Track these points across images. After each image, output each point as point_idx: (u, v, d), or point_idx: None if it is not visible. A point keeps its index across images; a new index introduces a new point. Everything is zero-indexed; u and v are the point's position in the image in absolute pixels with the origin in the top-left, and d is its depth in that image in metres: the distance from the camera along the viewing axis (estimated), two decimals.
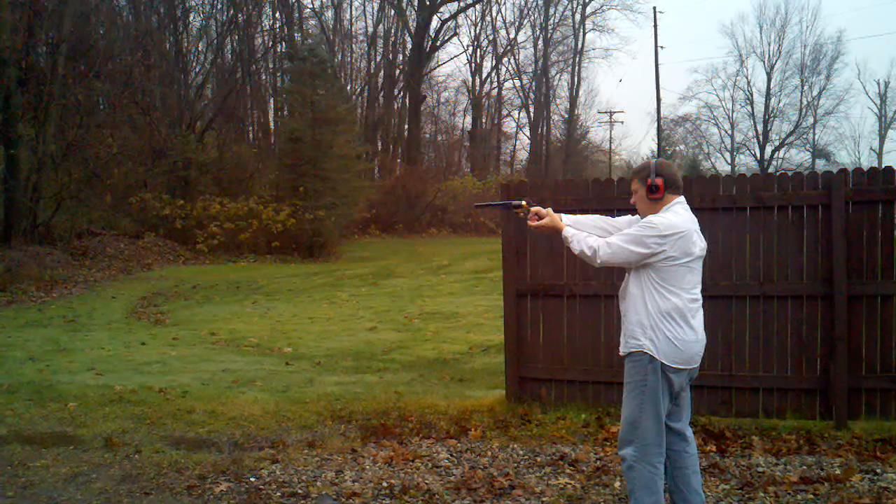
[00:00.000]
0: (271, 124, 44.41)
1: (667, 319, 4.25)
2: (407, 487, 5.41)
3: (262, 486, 5.50)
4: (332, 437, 6.74)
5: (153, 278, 22.59)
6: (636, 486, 4.31)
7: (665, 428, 4.36)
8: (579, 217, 4.79)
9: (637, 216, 4.55)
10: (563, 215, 4.75)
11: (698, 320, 4.36)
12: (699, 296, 4.39)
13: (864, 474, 5.56)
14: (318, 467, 5.91)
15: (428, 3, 48.42)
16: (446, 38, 52.43)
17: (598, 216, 4.79)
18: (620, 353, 4.48)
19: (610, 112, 63.27)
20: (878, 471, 5.63)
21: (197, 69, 39.63)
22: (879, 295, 6.66)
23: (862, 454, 6.02)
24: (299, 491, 5.40)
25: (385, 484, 5.51)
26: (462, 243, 34.28)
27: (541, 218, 4.72)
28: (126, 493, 5.42)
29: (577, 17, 58.64)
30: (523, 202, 4.84)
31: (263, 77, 44.83)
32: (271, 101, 44.42)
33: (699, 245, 4.37)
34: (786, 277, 6.87)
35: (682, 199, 4.45)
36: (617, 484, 5.43)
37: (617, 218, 4.71)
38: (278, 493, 5.35)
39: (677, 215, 4.35)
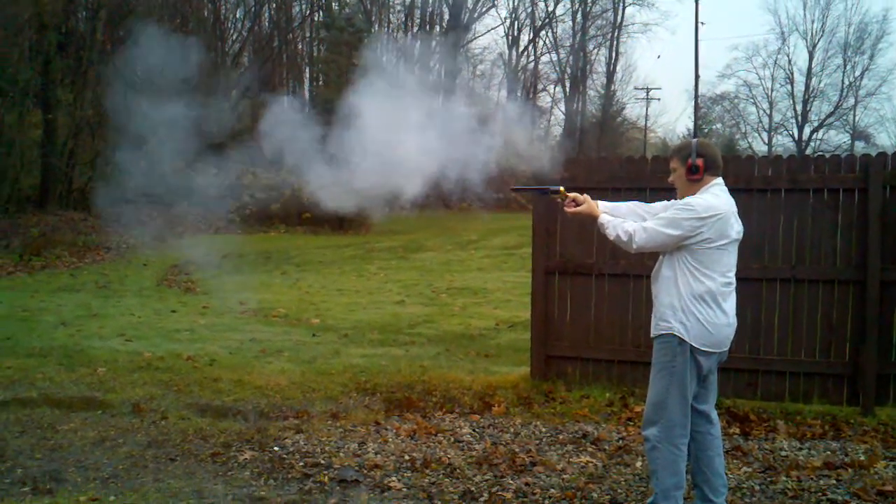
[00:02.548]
0: (307, 94, 44.39)
1: (699, 302, 4.22)
2: (429, 461, 5.44)
3: (285, 456, 5.54)
4: (356, 409, 6.78)
5: (185, 247, 22.77)
6: (658, 466, 4.30)
7: (691, 410, 4.33)
8: (617, 203, 4.75)
9: (672, 201, 4.49)
10: (599, 202, 4.71)
11: (730, 304, 4.32)
12: (733, 279, 4.35)
13: (889, 461, 5.50)
14: (342, 438, 5.95)
15: None
16: (484, 9, 52.01)
17: (634, 202, 4.74)
18: (651, 336, 4.46)
19: (647, 88, 62.50)
20: None
21: (234, 37, 39.68)
22: None
23: (888, 441, 5.96)
24: (322, 462, 5.44)
25: (407, 457, 5.54)
26: (492, 219, 34.21)
27: (578, 204, 4.68)
28: (152, 458, 5.49)
29: None
30: (561, 188, 4.80)
31: (300, 46, 44.77)
32: (307, 70, 44.34)
33: (736, 228, 4.32)
34: (818, 261, 6.78)
35: (720, 180, 4.40)
36: (639, 464, 5.42)
37: (653, 204, 4.66)
38: (301, 463, 5.40)
39: (716, 197, 4.30)
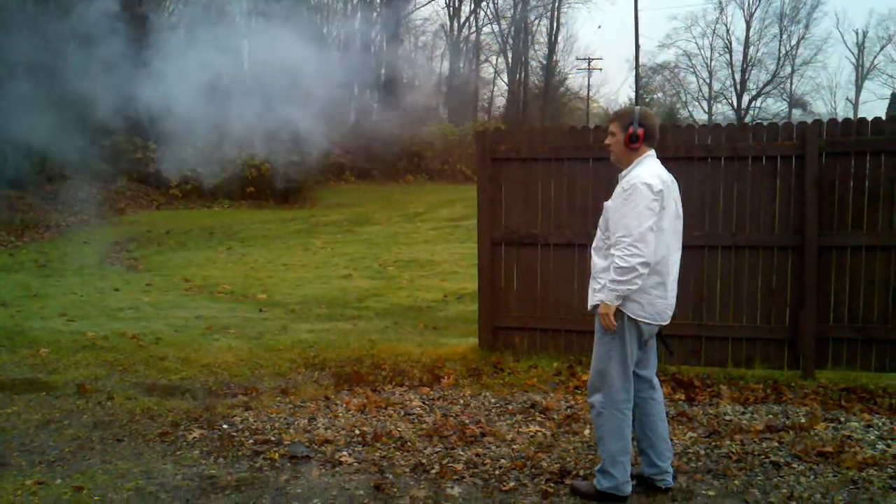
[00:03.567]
0: (245, 66, 43.71)
1: (646, 280, 4.25)
2: (379, 434, 5.46)
3: (234, 433, 5.52)
4: (305, 385, 6.77)
5: (126, 223, 22.40)
6: (604, 431, 4.37)
7: (633, 376, 4.40)
8: (594, 261, 4.52)
9: (619, 190, 4.38)
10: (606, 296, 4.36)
11: (672, 278, 4.38)
12: (676, 256, 4.40)
13: (829, 423, 5.66)
14: (291, 414, 5.94)
15: None
16: None
17: (594, 251, 4.53)
18: (589, 307, 4.49)
19: (588, 59, 62.62)
20: (842, 419, 5.73)
21: (170, 9, 38.89)
22: (849, 246, 6.72)
23: (827, 403, 6.12)
24: (272, 438, 5.42)
25: (357, 431, 5.55)
26: (438, 190, 34.20)
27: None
28: (98, 439, 5.43)
29: None
30: None
31: (237, 18, 44.05)
32: (245, 42, 43.70)
33: (676, 200, 4.38)
34: (758, 228, 6.91)
35: (653, 152, 4.43)
36: (587, 431, 5.50)
37: (605, 207, 4.48)
38: (251, 440, 5.38)
39: (650, 168, 4.33)
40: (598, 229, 4.52)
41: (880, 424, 5.63)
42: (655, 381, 4.58)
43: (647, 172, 4.28)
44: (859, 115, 7.15)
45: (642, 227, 4.15)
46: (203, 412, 5.96)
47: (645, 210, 4.16)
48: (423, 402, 6.25)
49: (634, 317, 4.27)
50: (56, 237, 19.19)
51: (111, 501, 4.45)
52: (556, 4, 58.37)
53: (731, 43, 62.90)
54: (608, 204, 4.45)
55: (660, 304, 4.32)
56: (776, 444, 5.26)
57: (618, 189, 4.36)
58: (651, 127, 4.40)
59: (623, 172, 4.43)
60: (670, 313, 4.41)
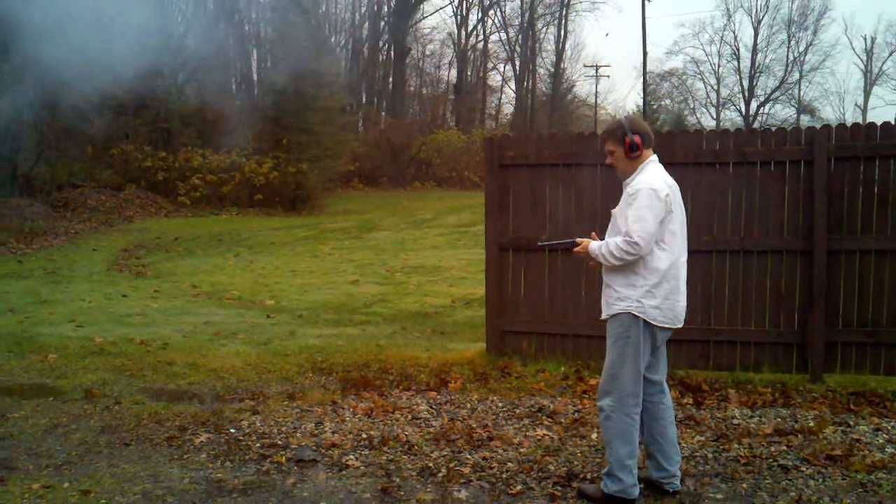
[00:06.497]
0: (254, 76, 43.91)
1: (659, 284, 4.24)
2: (386, 439, 5.45)
3: (242, 438, 5.51)
4: (312, 389, 6.76)
5: (135, 230, 22.47)
6: (612, 435, 4.36)
7: (643, 380, 4.39)
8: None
9: (625, 196, 4.39)
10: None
11: (683, 280, 4.38)
12: (684, 259, 4.40)
13: (837, 426, 5.63)
14: (299, 419, 5.93)
15: None
16: None
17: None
18: (603, 317, 4.48)
19: (596, 66, 62.66)
20: (851, 423, 5.71)
21: (179, 19, 39.03)
22: (858, 250, 6.69)
23: (836, 407, 6.10)
24: (279, 442, 5.42)
25: (365, 435, 5.54)
26: (446, 197, 34.28)
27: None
28: (106, 443, 5.43)
29: None
30: (577, 239, 4.73)
31: (247, 28, 44.19)
32: (254, 52, 43.86)
33: (681, 205, 4.38)
34: (766, 233, 6.89)
35: (655, 157, 4.44)
36: (594, 435, 5.48)
37: (613, 215, 4.52)
38: (258, 445, 5.38)
39: (654, 173, 4.33)
40: (607, 237, 4.51)
41: (889, 428, 5.60)
42: (665, 385, 4.58)
43: (652, 177, 4.29)
44: (868, 121, 7.13)
45: (644, 231, 4.17)
46: (210, 416, 5.96)
47: (647, 213, 4.18)
48: (431, 407, 6.24)
49: (655, 323, 4.27)
50: (65, 244, 19.25)
51: None
52: (564, 12, 58.53)
53: (738, 49, 63.01)
54: (615, 211, 4.46)
55: (678, 307, 4.34)
56: (784, 447, 5.24)
57: (623, 195, 4.38)
58: (644, 130, 4.41)
59: (628, 179, 4.43)
60: (684, 316, 4.41)
